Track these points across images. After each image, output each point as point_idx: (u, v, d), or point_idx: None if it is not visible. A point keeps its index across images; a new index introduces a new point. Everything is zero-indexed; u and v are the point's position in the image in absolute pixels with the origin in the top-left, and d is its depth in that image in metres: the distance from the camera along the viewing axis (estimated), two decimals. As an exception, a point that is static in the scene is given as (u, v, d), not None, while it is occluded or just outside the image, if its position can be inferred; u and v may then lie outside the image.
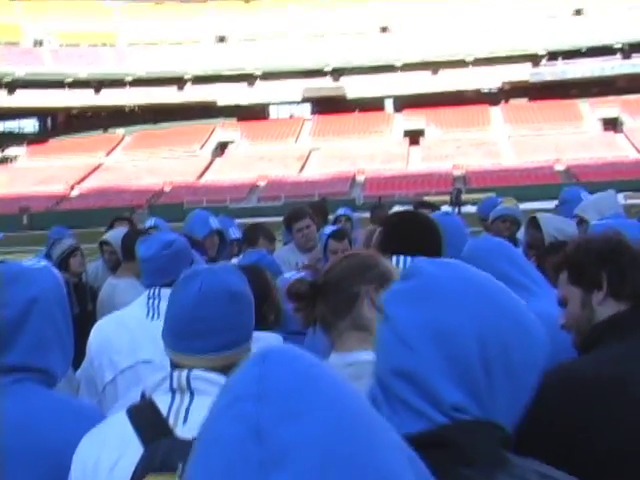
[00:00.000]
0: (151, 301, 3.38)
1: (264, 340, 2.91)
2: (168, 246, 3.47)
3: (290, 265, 6.24)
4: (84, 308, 6.00)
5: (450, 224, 3.67)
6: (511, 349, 1.34)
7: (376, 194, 54.69)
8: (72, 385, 3.33)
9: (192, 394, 1.96)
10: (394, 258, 2.92)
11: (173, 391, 1.97)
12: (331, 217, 8.68)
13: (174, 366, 2.07)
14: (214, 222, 6.18)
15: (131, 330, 3.32)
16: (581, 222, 5.17)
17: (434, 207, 6.82)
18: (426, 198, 51.43)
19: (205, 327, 2.05)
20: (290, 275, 4.15)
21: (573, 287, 2.27)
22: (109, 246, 6.34)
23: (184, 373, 1.98)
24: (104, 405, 3.15)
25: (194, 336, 2.05)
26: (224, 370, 1.99)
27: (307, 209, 7.07)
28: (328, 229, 6.10)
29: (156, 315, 3.28)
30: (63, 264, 6.19)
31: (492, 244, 3.33)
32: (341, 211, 8.44)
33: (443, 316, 1.33)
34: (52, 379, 2.25)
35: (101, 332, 3.45)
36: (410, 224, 3.32)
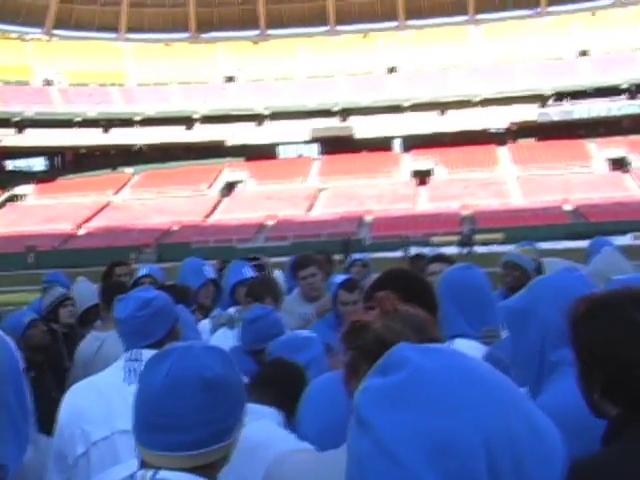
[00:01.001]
0: (129, 364, 3.10)
1: (257, 416, 2.68)
2: (146, 305, 3.13)
3: (294, 316, 6.02)
4: (62, 364, 5.75)
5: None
6: (525, 460, 1.13)
7: (384, 234, 54.58)
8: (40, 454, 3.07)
9: None
10: None
11: None
12: (336, 258, 8.35)
13: (141, 464, 1.79)
14: (208, 271, 6.01)
15: (106, 397, 3.04)
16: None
17: (449, 261, 6.56)
18: (434, 238, 51.46)
19: (172, 421, 1.75)
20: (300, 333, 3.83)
21: None
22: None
23: (148, 474, 1.72)
24: None
25: (160, 430, 1.76)
26: (200, 471, 1.76)
27: (313, 256, 6.73)
28: (338, 278, 5.72)
29: (134, 379, 2.95)
30: (52, 314, 6.01)
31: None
32: (357, 256, 7.99)
33: (439, 422, 1.11)
34: (2, 473, 2.02)
35: (73, 399, 3.15)
36: (401, 274, 3.02)
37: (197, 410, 1.77)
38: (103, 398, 3.05)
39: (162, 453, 1.75)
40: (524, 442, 1.14)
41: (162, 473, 1.71)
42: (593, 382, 1.94)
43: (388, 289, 2.66)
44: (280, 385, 2.96)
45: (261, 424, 2.67)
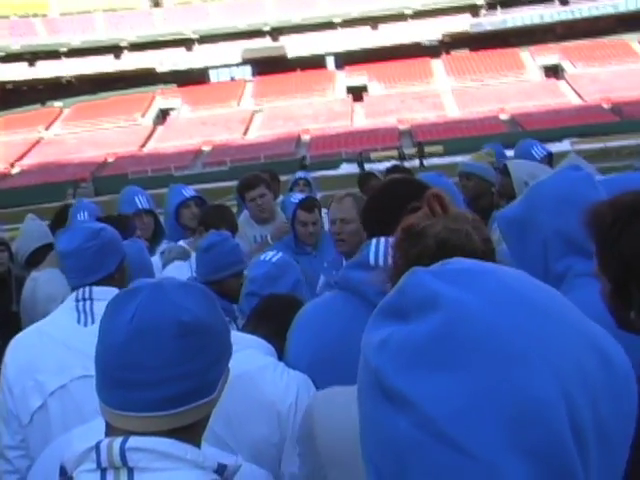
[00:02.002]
0: (81, 304, 2.79)
1: (243, 345, 2.44)
2: (95, 236, 2.85)
3: (248, 239, 5.77)
4: (6, 310, 5.35)
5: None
6: (600, 403, 0.89)
7: (322, 153, 54.35)
8: None
9: (130, 473, 1.37)
10: (373, 241, 2.35)
11: (102, 470, 1.37)
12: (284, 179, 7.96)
13: (107, 429, 1.48)
14: (142, 200, 5.61)
15: (59, 342, 2.73)
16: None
17: (408, 171, 6.29)
18: (373, 154, 51.42)
19: (142, 375, 1.43)
20: (268, 256, 3.43)
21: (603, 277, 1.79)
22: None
23: (116, 443, 1.38)
24: (33, 441, 2.63)
25: (128, 387, 1.43)
26: (178, 434, 1.43)
27: (262, 176, 6.30)
28: (295, 197, 5.43)
29: (90, 319, 2.73)
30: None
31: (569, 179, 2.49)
32: (299, 174, 7.52)
33: (506, 380, 0.84)
34: None
35: (20, 350, 2.80)
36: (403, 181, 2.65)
37: (172, 361, 1.44)
38: (55, 344, 2.74)
39: (131, 414, 1.43)
40: (598, 382, 0.89)
41: (132, 441, 1.38)
42: (629, 298, 1.69)
43: (388, 199, 2.41)
44: (277, 319, 2.74)
45: (246, 354, 2.44)
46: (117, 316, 1.48)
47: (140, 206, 5.54)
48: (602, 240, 1.75)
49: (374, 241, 2.34)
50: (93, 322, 2.68)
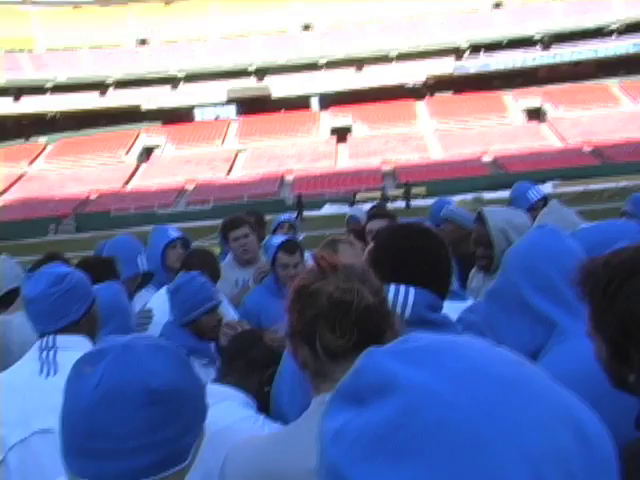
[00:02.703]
0: (44, 353, 2.70)
1: (219, 398, 2.37)
2: (59, 281, 2.76)
3: (230, 283, 5.71)
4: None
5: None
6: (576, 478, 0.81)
7: (306, 193, 54.45)
8: None
9: None
10: (392, 287, 2.24)
11: None
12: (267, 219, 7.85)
13: None
14: (143, 262, 5.48)
15: (19, 393, 2.63)
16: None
17: (391, 217, 6.24)
18: (357, 195, 51.56)
19: (109, 445, 1.35)
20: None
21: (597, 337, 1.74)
22: None
23: None
24: None
25: (94, 456, 1.35)
26: None
27: (246, 217, 6.28)
28: (276, 239, 5.29)
29: (52, 370, 2.63)
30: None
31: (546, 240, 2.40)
32: (283, 217, 7.39)
33: (472, 468, 0.76)
34: None
35: None
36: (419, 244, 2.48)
37: (140, 431, 1.36)
38: (17, 395, 2.63)
39: None
40: (574, 458, 0.82)
41: None
42: (628, 362, 1.63)
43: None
44: (245, 357, 2.71)
45: (224, 407, 2.37)
46: (83, 380, 1.40)
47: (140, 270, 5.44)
48: (597, 300, 1.68)
49: (393, 287, 2.25)
50: (55, 372, 2.60)
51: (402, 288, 2.23)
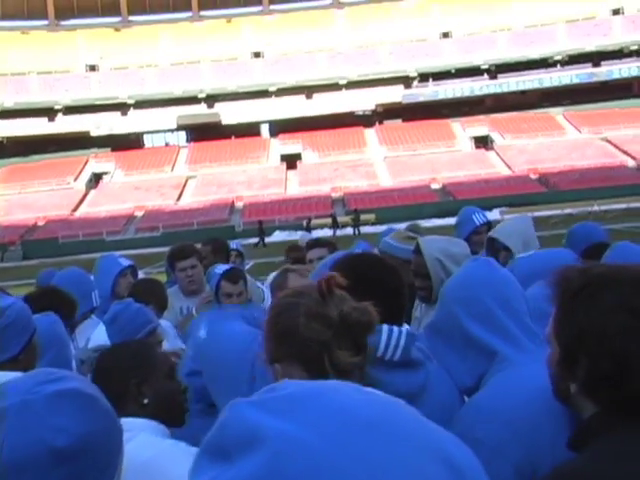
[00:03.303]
0: None
1: (134, 432, 2.24)
2: None
3: (174, 311, 5.70)
4: None
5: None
6: None
7: (256, 220, 54.47)
8: None
9: None
10: (386, 328, 2.17)
11: None
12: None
13: None
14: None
15: None
16: (497, 249, 4.70)
17: (331, 245, 6.23)
18: (313, 222, 51.64)
19: None
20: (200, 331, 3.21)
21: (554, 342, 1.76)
22: None
23: None
24: None
25: None
26: None
27: (194, 247, 6.16)
28: (219, 268, 5.21)
29: None
30: None
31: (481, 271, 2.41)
32: (233, 245, 7.31)
33: None
34: None
35: None
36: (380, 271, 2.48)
37: None
38: None
39: None
40: None
41: None
42: (574, 372, 1.66)
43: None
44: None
45: (141, 440, 2.27)
46: None
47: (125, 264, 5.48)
48: (565, 304, 1.70)
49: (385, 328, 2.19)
50: None
51: (395, 329, 2.18)
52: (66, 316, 4.19)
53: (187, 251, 5.96)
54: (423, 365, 2.30)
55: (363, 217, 50.61)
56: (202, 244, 6.82)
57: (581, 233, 5.11)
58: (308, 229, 46.55)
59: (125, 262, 5.87)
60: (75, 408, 1.34)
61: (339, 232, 46.88)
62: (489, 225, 6.03)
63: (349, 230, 48.06)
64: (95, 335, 4.50)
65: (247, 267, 6.61)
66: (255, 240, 44.41)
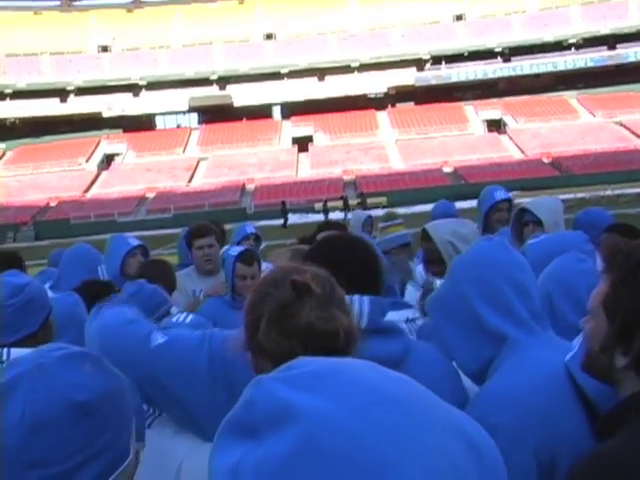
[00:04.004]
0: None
1: None
2: (18, 292, 2.67)
3: (187, 293, 5.64)
4: None
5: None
6: None
7: (267, 202, 54.41)
8: None
9: None
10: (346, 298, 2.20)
11: None
12: (228, 228, 7.66)
13: None
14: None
15: None
16: (524, 223, 4.64)
17: (342, 227, 6.21)
18: (317, 205, 51.56)
19: (49, 471, 1.26)
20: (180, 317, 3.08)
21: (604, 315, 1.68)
22: None
23: None
24: None
25: None
26: None
27: (213, 227, 6.13)
28: (234, 250, 5.13)
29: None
30: None
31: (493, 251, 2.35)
32: (249, 229, 7.05)
33: None
34: None
35: None
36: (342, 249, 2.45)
37: (79, 447, 1.29)
38: None
39: None
40: (468, 466, 0.86)
41: None
42: (626, 345, 1.59)
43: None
44: None
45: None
46: (6, 412, 1.28)
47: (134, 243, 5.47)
48: (621, 278, 1.63)
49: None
50: None
51: (356, 298, 2.17)
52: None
53: (206, 229, 5.95)
54: (402, 334, 2.29)
55: (375, 200, 50.46)
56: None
57: (587, 221, 5.06)
58: (325, 211, 46.58)
59: (134, 242, 5.82)
60: (85, 365, 1.37)
61: (350, 215, 46.81)
62: (510, 203, 5.94)
63: (359, 213, 48.05)
64: None
65: (260, 248, 6.53)
66: (269, 222, 44.40)
